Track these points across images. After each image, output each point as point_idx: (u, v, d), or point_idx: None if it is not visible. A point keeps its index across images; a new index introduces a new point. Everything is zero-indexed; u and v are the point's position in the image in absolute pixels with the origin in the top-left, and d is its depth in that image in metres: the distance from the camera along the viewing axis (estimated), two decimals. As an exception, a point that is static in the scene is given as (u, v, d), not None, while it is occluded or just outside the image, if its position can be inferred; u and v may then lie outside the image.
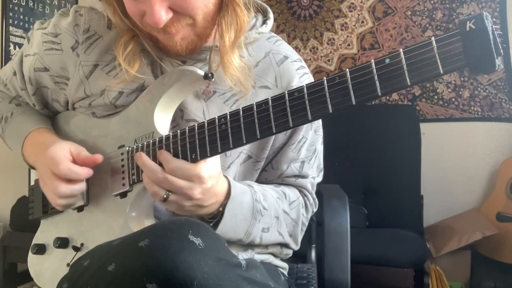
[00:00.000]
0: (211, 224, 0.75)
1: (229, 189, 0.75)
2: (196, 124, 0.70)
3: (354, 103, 0.57)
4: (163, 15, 0.69)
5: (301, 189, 0.90)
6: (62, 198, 0.77)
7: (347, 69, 0.58)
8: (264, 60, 0.84)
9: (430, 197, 2.35)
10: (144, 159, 0.71)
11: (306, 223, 0.92)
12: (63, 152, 0.76)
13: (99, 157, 0.77)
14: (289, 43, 0.92)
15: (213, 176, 0.70)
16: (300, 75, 0.85)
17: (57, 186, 0.75)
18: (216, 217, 0.75)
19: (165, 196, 0.69)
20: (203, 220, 0.75)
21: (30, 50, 0.87)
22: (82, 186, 0.78)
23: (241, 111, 0.65)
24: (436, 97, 2.49)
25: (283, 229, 0.83)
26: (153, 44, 0.80)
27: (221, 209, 0.74)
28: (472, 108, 2.43)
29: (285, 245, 0.88)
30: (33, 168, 0.88)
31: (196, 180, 0.68)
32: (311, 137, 0.88)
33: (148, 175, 0.70)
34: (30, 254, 0.88)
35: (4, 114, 0.93)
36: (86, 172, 0.76)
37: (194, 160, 0.69)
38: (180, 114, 0.80)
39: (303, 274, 1.09)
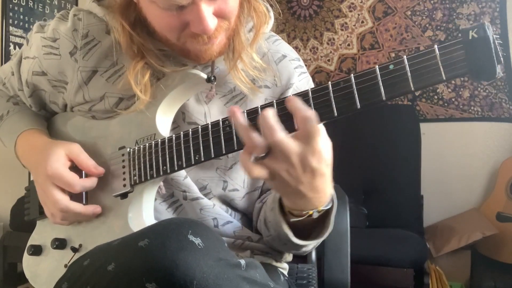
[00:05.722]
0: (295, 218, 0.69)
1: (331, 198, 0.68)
2: (199, 126, 0.70)
3: (359, 107, 0.59)
4: (212, 22, 0.67)
5: None
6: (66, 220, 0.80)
7: (352, 74, 0.59)
8: (262, 60, 0.83)
9: (430, 197, 2.35)
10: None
11: None
12: (63, 165, 0.76)
13: (102, 171, 0.79)
14: (289, 43, 0.92)
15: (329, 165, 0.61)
16: (298, 74, 0.85)
17: (70, 206, 0.77)
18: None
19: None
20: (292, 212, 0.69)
21: (30, 52, 0.87)
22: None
23: (245, 113, 0.65)
24: (436, 97, 2.49)
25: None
26: (165, 56, 0.78)
27: (311, 212, 0.66)
28: (472, 108, 2.43)
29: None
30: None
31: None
32: None
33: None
34: (25, 255, 0.87)
35: (0, 112, 0.93)
36: (95, 181, 0.79)
37: (198, 161, 0.69)
38: (181, 116, 0.80)
39: (303, 274, 1.08)
